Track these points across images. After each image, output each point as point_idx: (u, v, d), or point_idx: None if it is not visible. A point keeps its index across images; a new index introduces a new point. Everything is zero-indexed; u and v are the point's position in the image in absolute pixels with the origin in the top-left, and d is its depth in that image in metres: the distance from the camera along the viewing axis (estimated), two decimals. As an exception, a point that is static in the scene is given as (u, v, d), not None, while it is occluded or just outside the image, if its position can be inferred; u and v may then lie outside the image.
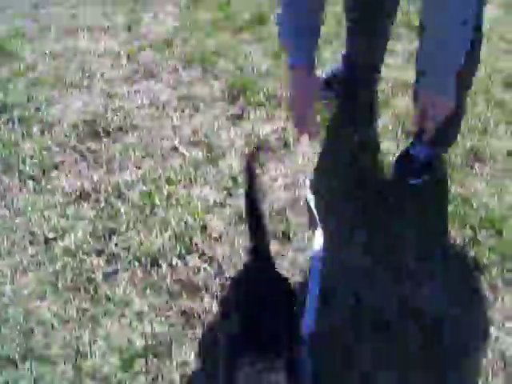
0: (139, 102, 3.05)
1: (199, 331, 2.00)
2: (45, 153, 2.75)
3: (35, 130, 2.90)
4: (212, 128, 2.84)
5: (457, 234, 2.31)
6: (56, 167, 2.68)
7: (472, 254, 2.25)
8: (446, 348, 1.95)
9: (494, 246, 2.28)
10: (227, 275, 2.16)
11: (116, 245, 2.28)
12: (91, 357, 1.98)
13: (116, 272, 2.20)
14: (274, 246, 2.24)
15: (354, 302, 2.08)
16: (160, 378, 1.90)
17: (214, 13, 3.97)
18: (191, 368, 1.91)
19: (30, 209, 2.49)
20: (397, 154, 2.60)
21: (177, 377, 1.88)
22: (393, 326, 2.00)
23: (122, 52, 3.51)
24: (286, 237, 2.31)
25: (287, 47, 2.11)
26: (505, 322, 2.03)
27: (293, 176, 2.57)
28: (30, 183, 2.61)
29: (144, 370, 1.92)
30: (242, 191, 2.44)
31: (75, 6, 4.06)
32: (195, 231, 2.31)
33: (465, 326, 2.02)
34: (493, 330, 2.00)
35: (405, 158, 2.52)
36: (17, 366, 1.98)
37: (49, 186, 2.59)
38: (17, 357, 1.99)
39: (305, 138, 2.43)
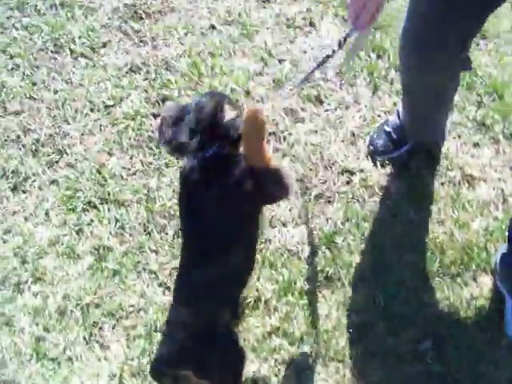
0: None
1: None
2: (91, 33, 2.99)
3: (79, 13, 3.12)
4: (243, 9, 3.08)
5: (465, 99, 2.62)
6: (104, 45, 2.94)
7: (478, 114, 2.57)
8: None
9: (496, 107, 2.59)
10: (270, 131, 2.48)
11: (172, 107, 2.58)
12: (160, 200, 2.32)
13: (173, 131, 2.51)
14: (309, 108, 2.57)
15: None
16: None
17: None
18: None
19: (86, 82, 2.76)
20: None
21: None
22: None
23: None
24: (318, 100, 2.61)
25: None
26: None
27: (319, 50, 2.83)
28: (82, 60, 2.88)
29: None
30: (276, 62, 2.75)
31: None
32: (240, 95, 2.61)
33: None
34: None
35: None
36: (97, 208, 2.33)
37: (100, 62, 2.85)
38: (97, 202, 2.33)
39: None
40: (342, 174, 2.41)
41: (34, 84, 2.79)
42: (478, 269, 2.19)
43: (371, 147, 2.46)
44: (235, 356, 1.76)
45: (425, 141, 2.46)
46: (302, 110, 2.58)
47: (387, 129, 2.46)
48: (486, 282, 2.17)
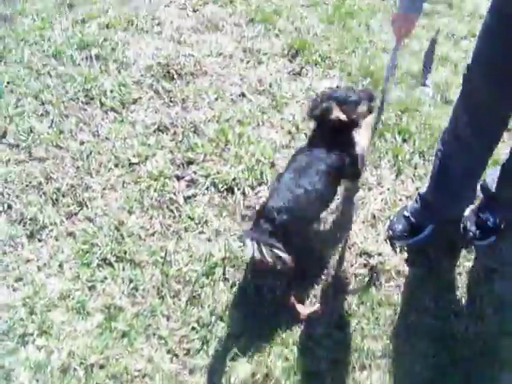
0: (207, 50, 3.33)
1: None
2: (123, 88, 3.04)
3: (112, 67, 3.18)
4: (275, 80, 3.14)
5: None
6: (134, 102, 2.98)
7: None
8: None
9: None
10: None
11: (195, 172, 2.60)
12: (176, 264, 2.31)
13: (195, 195, 2.53)
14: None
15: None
16: (237, 285, 2.23)
17: (272, -25, 4.23)
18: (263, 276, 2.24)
19: (113, 136, 2.79)
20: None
21: (251, 286, 2.22)
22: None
23: (187, 4, 3.77)
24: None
25: None
26: None
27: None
28: (111, 114, 2.92)
29: (223, 277, 2.26)
30: (303, 136, 2.78)
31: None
32: (265, 166, 2.63)
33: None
34: None
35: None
36: (112, 266, 2.31)
37: (129, 118, 2.89)
38: (112, 259, 2.32)
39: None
40: (361, 255, 2.40)
41: (62, 132, 2.82)
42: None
43: (390, 231, 2.46)
44: None
45: (452, 216, 2.52)
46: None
47: (406, 214, 2.47)
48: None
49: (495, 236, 2.51)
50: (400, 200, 2.62)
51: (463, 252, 2.45)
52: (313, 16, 3.77)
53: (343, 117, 2.13)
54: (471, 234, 2.49)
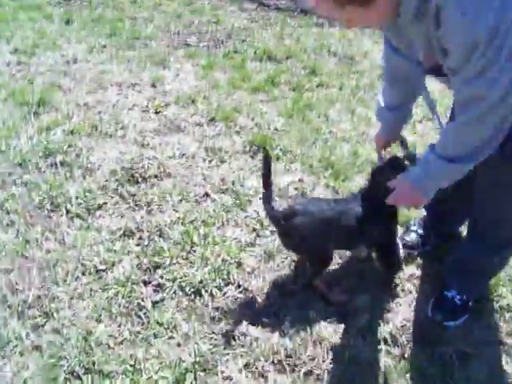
0: (170, 152, 3.41)
1: (239, 350, 2.32)
2: (88, 194, 3.08)
3: (77, 173, 3.23)
4: (237, 177, 3.21)
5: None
6: (100, 207, 3.01)
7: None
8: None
9: None
10: (261, 303, 2.50)
11: (161, 276, 2.60)
12: (146, 372, 2.27)
13: (163, 300, 2.52)
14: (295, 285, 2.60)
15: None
16: (207, 390, 2.21)
17: (231, 73, 4.41)
18: (235, 381, 2.22)
19: (79, 243, 2.80)
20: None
21: (224, 389, 2.20)
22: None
23: (149, 106, 3.90)
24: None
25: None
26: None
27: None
28: (77, 221, 2.93)
29: (194, 383, 2.23)
30: (268, 233, 2.82)
31: (104, 63, 4.46)
32: (231, 266, 2.65)
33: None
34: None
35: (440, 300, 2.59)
36: (81, 378, 2.27)
37: (95, 224, 2.91)
38: (80, 372, 2.27)
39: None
40: (331, 350, 2.38)
41: (27, 242, 2.82)
42: None
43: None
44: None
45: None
46: (293, 283, 2.61)
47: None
48: None
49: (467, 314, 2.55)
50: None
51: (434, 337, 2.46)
52: (272, 111, 3.91)
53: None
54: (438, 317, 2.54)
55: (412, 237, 2.84)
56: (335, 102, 4.10)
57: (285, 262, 2.70)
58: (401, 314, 2.53)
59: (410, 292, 2.63)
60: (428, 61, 1.95)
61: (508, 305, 2.58)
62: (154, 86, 4.20)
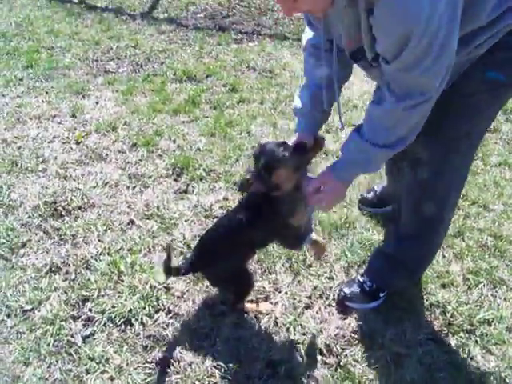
0: (93, 182, 3.37)
1: (174, 377, 2.31)
2: (11, 233, 3.01)
3: (-1, 213, 3.16)
4: (162, 202, 3.20)
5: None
6: (24, 245, 2.95)
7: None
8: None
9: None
10: (192, 327, 2.49)
11: (90, 310, 2.57)
12: (79, 413, 2.24)
13: (93, 333, 2.48)
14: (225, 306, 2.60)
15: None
16: (145, 421, 2.18)
17: (151, 97, 4.40)
18: None
19: (3, 284, 2.73)
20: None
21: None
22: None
23: (70, 137, 3.85)
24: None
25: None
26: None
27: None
28: (0, 261, 2.86)
29: (130, 416, 2.20)
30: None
31: (21, 96, 4.39)
32: (160, 292, 2.63)
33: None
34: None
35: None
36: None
37: (19, 263, 2.84)
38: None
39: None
40: (267, 367, 2.39)
41: None
42: None
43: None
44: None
45: None
46: (222, 303, 2.61)
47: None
48: None
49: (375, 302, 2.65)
50: (299, 302, 2.66)
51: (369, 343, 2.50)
52: (194, 131, 3.92)
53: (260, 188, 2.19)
54: (342, 293, 2.65)
55: (370, 195, 3.23)
56: (256, 116, 4.14)
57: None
58: (333, 322, 2.56)
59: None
60: (350, 47, 1.96)
61: (437, 301, 2.67)
62: (73, 116, 4.15)
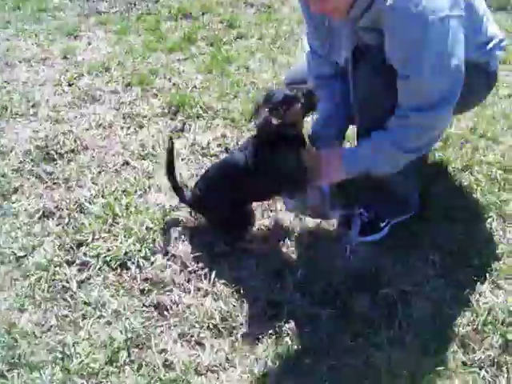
0: (86, 124, 3.24)
1: (172, 320, 2.22)
2: (2, 179, 2.89)
3: (-11, 159, 3.04)
4: (157, 141, 3.07)
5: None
6: (15, 191, 2.83)
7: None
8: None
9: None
10: (190, 268, 2.39)
11: (85, 254, 2.47)
12: (77, 357, 2.15)
13: (89, 278, 2.38)
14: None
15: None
16: (144, 365, 2.09)
17: (146, 36, 4.22)
18: (170, 353, 2.12)
19: (-4, 232, 2.63)
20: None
21: (159, 362, 2.09)
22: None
23: (62, 79, 3.70)
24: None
25: None
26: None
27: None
28: (-8, 209, 2.76)
29: (128, 361, 2.11)
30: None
31: (9, 40, 4.22)
32: (156, 233, 2.53)
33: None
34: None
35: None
36: (5, 377, 2.11)
37: (12, 210, 2.73)
38: (5, 369, 2.11)
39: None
40: (269, 307, 2.29)
41: None
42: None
43: None
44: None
45: None
46: (222, 243, 2.51)
47: None
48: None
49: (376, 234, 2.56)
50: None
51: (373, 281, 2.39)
52: (190, 68, 3.77)
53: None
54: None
55: None
56: (255, 52, 3.96)
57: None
58: (339, 261, 2.44)
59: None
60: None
61: (446, 238, 2.54)
62: (65, 58, 3.99)
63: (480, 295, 2.30)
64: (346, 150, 2.30)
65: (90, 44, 4.18)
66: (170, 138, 2.48)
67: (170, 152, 2.48)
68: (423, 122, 2.06)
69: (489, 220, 2.63)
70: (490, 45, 2.26)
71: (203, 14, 4.65)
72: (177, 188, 2.53)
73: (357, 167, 2.23)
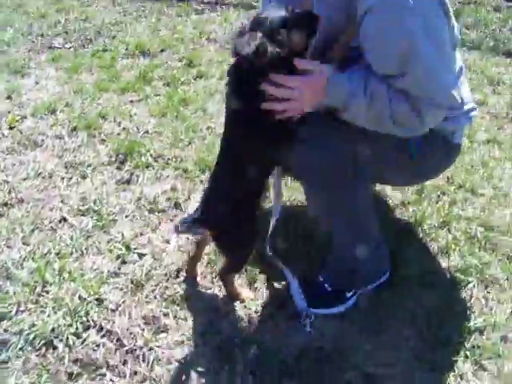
0: (24, 173, 2.94)
1: (103, 412, 1.91)
2: None
3: None
4: (100, 194, 2.78)
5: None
6: None
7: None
8: None
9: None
10: (127, 347, 2.09)
11: (6, 330, 2.14)
12: None
13: (6, 362, 2.05)
14: (174, 312, 2.21)
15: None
16: None
17: (99, 74, 3.95)
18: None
19: None
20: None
21: None
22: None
23: (2, 122, 3.40)
24: (185, 299, 2.26)
25: None
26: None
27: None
28: None
29: None
30: (136, 257, 2.42)
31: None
32: (90, 305, 2.22)
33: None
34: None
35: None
36: None
37: None
38: None
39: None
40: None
41: None
42: None
43: None
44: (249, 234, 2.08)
45: None
46: (165, 315, 2.21)
47: None
48: None
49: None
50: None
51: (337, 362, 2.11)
52: (143, 111, 3.51)
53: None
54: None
55: None
56: (214, 93, 3.72)
57: (155, 291, 2.29)
58: (298, 338, 2.16)
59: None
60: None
61: (421, 306, 2.27)
62: (9, 97, 3.69)
63: (461, 378, 2.02)
64: (335, 73, 1.85)
65: (37, 83, 3.90)
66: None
67: None
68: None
69: (469, 286, 2.37)
70: (458, 111, 2.03)
71: (162, 50, 4.41)
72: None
73: (340, 98, 1.84)
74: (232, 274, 2.26)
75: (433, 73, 1.76)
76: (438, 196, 2.87)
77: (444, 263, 2.48)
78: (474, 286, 2.36)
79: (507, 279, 2.41)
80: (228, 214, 2.02)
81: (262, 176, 2.07)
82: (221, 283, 2.30)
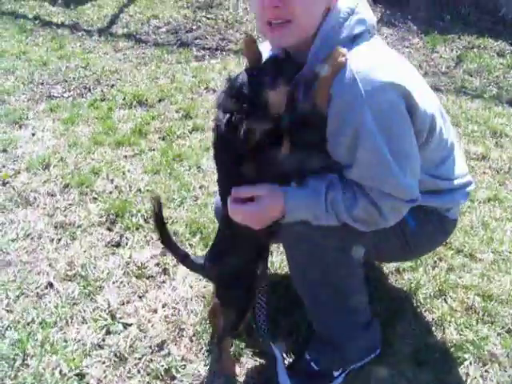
0: (14, 234, 2.92)
1: None
2: None
3: None
4: (88, 258, 2.75)
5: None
6: None
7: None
8: None
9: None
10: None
11: (-18, 409, 2.11)
12: None
13: None
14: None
15: None
16: None
17: (95, 126, 3.96)
18: None
19: None
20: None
21: None
22: None
23: (-4, 178, 3.40)
24: (169, 375, 2.22)
25: None
26: None
27: (174, 305, 2.50)
28: None
29: None
30: (121, 327, 2.38)
31: None
32: (71, 381, 2.18)
33: None
34: None
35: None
36: None
37: None
38: None
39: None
40: None
41: None
42: None
43: None
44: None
45: None
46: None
47: None
48: None
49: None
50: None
51: None
52: (137, 167, 3.49)
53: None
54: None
55: None
56: (209, 148, 3.69)
57: (139, 365, 2.25)
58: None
59: None
60: None
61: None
62: (4, 151, 3.69)
63: None
64: (290, 191, 1.83)
65: (34, 135, 3.90)
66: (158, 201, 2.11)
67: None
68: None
69: (465, 363, 2.29)
70: (455, 184, 2.00)
71: (160, 100, 4.42)
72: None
73: (299, 215, 1.86)
74: (229, 339, 2.22)
75: (381, 169, 1.72)
76: (435, 262, 2.80)
77: (439, 337, 2.41)
78: (470, 363, 2.28)
79: (507, 356, 2.32)
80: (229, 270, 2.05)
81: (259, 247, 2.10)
82: (208, 355, 2.25)
